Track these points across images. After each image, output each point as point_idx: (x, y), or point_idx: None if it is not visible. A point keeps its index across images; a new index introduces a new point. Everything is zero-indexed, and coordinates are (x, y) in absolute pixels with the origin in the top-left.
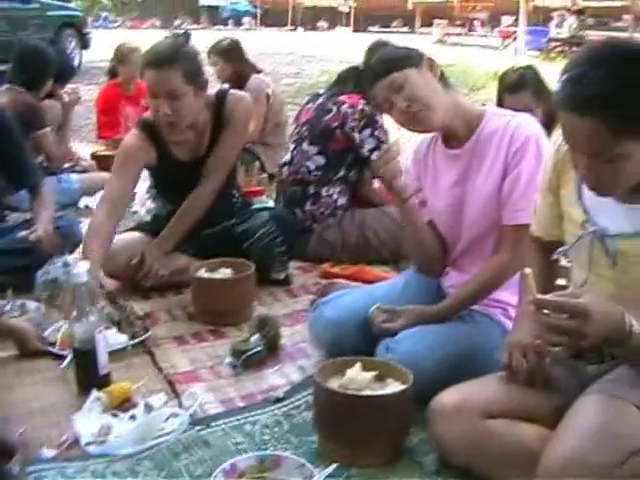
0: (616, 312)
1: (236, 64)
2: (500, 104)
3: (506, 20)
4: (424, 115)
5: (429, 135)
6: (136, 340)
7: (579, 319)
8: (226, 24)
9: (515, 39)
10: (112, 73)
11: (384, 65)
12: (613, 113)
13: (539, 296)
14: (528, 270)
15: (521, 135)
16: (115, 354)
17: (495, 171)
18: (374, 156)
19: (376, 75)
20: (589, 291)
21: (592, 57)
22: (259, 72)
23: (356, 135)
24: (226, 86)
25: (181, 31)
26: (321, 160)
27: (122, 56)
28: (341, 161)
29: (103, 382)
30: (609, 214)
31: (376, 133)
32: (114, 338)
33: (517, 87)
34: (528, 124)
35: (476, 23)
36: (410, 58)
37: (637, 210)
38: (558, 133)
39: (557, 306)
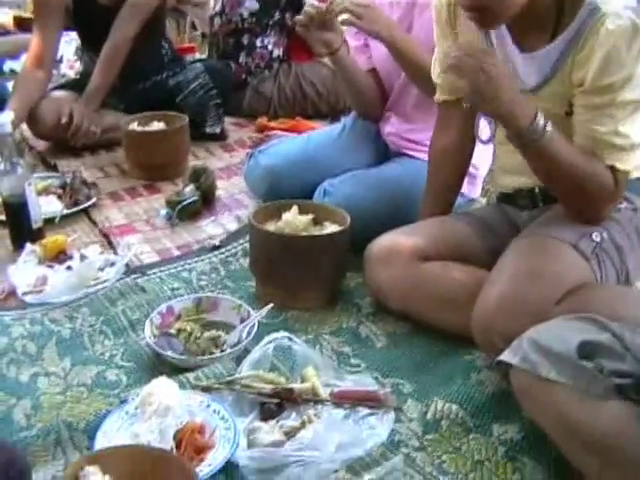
0: (530, 102)
1: None
2: None
3: None
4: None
5: None
6: (72, 210)
7: (481, 55)
8: None
9: None
10: None
11: None
12: None
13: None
14: None
15: None
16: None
17: None
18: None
19: None
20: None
21: None
22: None
23: None
24: None
25: None
26: (255, 5)
27: None
28: (275, 4)
29: (37, 236)
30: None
31: None
32: (46, 206)
33: None
34: None
35: None
36: None
37: (535, 59)
38: None
39: (467, 46)
